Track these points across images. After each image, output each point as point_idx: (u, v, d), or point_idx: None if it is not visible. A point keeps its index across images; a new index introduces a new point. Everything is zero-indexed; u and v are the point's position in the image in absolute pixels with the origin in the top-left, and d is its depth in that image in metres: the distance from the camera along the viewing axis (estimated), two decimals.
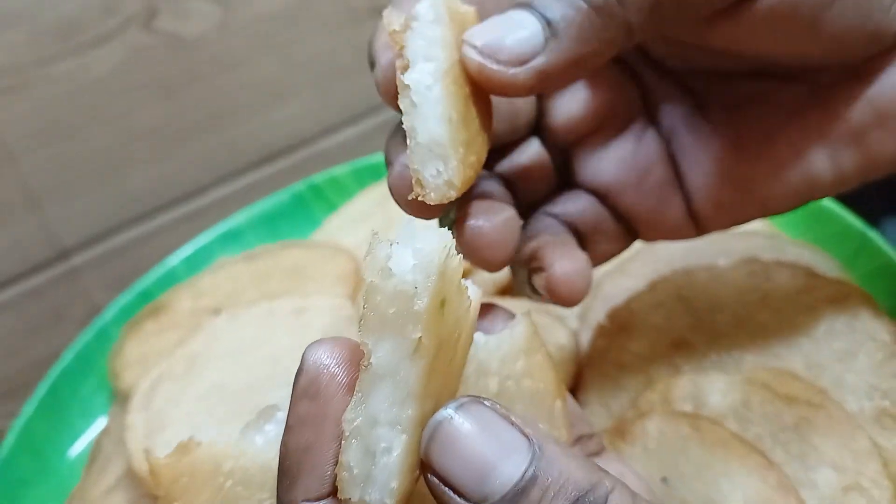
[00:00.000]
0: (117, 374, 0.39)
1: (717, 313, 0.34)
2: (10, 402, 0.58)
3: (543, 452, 0.17)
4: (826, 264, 0.36)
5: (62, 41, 0.54)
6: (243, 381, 0.33)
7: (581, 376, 0.35)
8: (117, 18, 0.55)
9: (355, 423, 0.17)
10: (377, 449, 0.17)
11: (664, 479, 0.29)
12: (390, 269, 0.17)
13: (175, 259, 0.46)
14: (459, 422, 0.17)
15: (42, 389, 0.40)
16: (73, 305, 0.60)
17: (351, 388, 0.17)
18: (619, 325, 0.35)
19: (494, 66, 0.20)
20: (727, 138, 0.25)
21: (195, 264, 0.46)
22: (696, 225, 0.27)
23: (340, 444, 0.17)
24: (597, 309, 0.37)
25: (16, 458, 0.37)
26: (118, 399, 0.39)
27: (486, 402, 0.18)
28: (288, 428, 0.18)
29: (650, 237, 0.27)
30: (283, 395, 0.33)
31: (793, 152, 0.25)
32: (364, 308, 0.17)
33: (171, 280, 0.45)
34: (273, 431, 0.19)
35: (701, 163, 0.26)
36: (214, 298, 0.42)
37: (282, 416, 0.19)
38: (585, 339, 0.36)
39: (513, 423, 0.17)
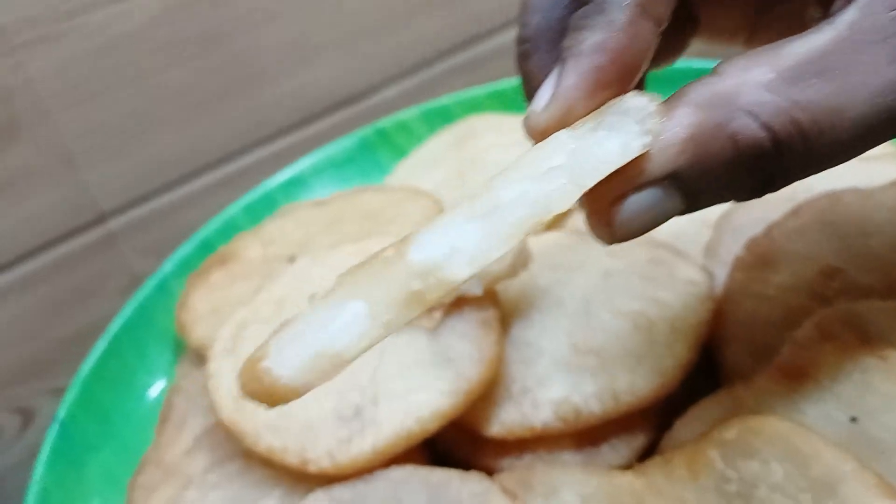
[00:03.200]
0: (186, 326, 0.35)
1: (869, 237, 0.30)
2: (45, 377, 0.54)
3: None
4: None
5: None
6: None
7: (719, 314, 0.31)
8: None
9: None
10: None
11: (853, 419, 0.25)
12: None
13: (236, 208, 0.42)
14: None
15: (101, 347, 0.36)
16: (111, 274, 0.56)
17: None
18: (759, 255, 0.31)
19: None
20: None
21: (257, 213, 0.42)
22: None
23: None
24: (728, 242, 0.33)
25: (78, 422, 0.33)
26: (188, 354, 0.35)
27: None
28: None
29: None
30: None
31: None
32: None
33: (232, 229, 0.41)
34: None
35: None
36: (286, 245, 0.38)
37: None
38: (720, 274, 0.32)
39: None
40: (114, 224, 0.55)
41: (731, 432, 0.25)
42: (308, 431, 0.26)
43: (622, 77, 0.19)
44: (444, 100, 0.46)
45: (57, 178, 0.52)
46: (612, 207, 0.19)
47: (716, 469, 0.24)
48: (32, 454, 0.34)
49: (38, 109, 0.50)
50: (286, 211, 0.40)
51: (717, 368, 0.30)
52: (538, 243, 0.34)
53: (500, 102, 0.45)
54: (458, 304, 0.29)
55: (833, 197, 0.32)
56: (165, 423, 0.33)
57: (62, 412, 0.33)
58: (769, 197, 0.35)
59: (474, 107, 0.45)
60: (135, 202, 0.55)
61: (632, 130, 0.18)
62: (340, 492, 0.27)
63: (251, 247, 0.38)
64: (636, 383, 0.28)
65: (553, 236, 0.35)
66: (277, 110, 0.57)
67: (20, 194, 0.51)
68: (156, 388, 0.36)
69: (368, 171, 0.44)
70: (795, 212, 0.32)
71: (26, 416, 0.54)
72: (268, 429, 0.27)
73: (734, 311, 0.31)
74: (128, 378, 0.36)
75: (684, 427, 0.27)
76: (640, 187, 0.18)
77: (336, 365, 0.16)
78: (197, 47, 0.54)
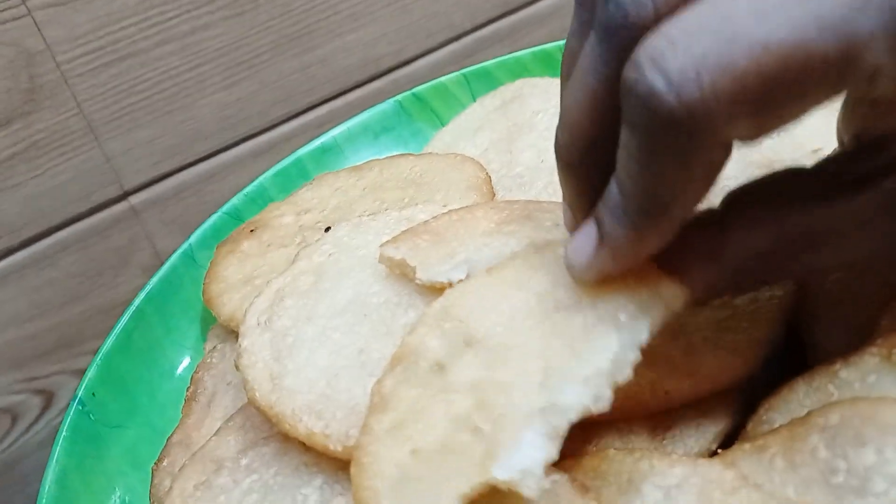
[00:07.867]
0: (215, 298, 0.32)
1: None
2: (66, 356, 0.53)
3: None
4: None
5: None
6: (387, 295, 0.27)
7: (804, 287, 0.28)
8: None
9: None
10: None
11: None
12: None
13: (265, 177, 0.40)
14: None
15: (124, 320, 0.33)
16: (136, 248, 0.54)
17: None
18: None
19: None
20: None
21: (288, 182, 0.39)
22: None
23: None
24: None
25: (99, 400, 0.31)
26: (217, 328, 0.33)
27: None
28: None
29: None
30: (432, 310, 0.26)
31: None
32: None
33: (262, 199, 0.38)
34: None
35: None
36: (321, 214, 0.35)
37: None
38: None
39: None
40: (137, 198, 0.53)
41: (835, 416, 0.22)
42: (353, 416, 0.24)
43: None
44: (487, 63, 0.43)
45: (78, 150, 0.50)
46: None
47: (820, 458, 0.21)
48: (53, 435, 0.32)
49: (56, 76, 0.48)
50: (319, 179, 0.38)
51: (805, 349, 0.27)
52: None
53: (547, 65, 0.42)
54: None
55: None
56: (193, 402, 0.30)
57: (81, 390, 0.31)
58: None
59: (519, 70, 0.42)
60: (160, 176, 0.53)
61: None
62: None
63: (284, 215, 0.35)
64: (709, 363, 0.26)
65: None
66: (311, 78, 0.54)
67: (40, 166, 0.48)
68: (182, 365, 0.34)
69: (406, 139, 0.41)
70: None
71: (47, 397, 0.52)
72: (309, 412, 0.24)
73: (821, 284, 0.28)
74: (153, 353, 0.33)
75: (775, 411, 0.24)
76: None
77: None
78: (229, 10, 0.51)
